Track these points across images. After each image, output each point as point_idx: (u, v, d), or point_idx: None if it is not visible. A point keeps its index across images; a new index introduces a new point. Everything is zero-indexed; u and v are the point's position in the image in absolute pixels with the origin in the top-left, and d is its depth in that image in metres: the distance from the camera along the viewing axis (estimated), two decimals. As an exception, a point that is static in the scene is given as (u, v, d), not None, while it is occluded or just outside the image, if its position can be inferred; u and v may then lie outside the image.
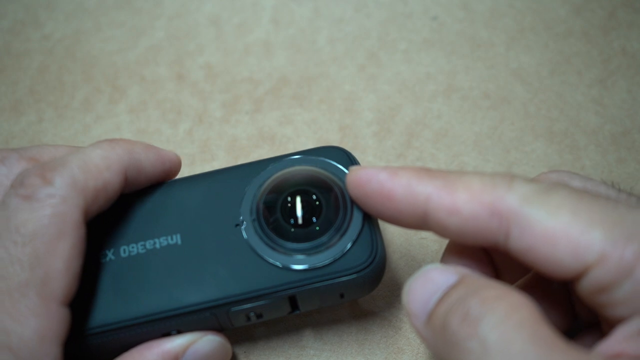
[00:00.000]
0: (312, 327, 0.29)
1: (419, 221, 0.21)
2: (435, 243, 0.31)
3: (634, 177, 0.32)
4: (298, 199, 0.25)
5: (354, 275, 0.24)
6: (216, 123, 0.36)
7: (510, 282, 0.24)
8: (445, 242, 0.30)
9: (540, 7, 0.39)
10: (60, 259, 0.21)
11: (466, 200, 0.20)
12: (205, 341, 0.24)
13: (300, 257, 0.24)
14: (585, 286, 0.18)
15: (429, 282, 0.20)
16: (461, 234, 0.20)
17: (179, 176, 0.27)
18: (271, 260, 0.24)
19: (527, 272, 0.23)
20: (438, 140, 0.34)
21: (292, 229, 0.25)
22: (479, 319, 0.18)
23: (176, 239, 0.25)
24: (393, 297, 0.29)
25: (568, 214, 0.18)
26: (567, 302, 0.23)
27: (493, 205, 0.19)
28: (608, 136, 0.33)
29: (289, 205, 0.25)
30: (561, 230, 0.18)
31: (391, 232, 0.31)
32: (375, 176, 0.22)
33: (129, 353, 0.24)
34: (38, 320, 0.21)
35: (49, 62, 0.39)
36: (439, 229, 0.21)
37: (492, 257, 0.23)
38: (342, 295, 0.25)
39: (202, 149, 0.35)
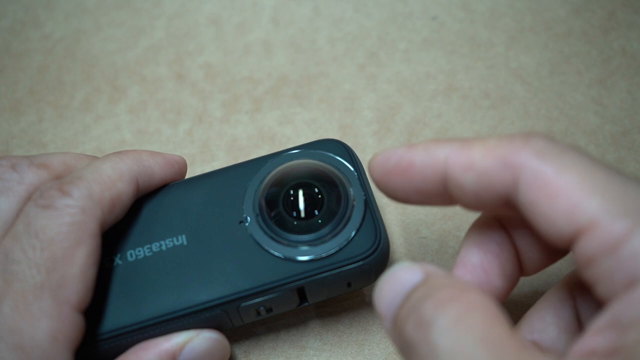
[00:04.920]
0: (312, 328, 0.29)
1: (440, 185, 0.21)
2: (435, 242, 0.31)
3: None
4: (300, 192, 0.25)
5: (360, 263, 0.24)
6: (216, 123, 0.36)
7: (533, 268, 0.23)
8: (446, 244, 0.31)
9: (540, 7, 0.39)
10: (77, 265, 0.22)
11: (481, 155, 0.20)
12: (202, 338, 0.24)
13: (305, 248, 0.24)
14: (576, 256, 0.18)
15: (396, 282, 0.20)
16: (477, 191, 0.20)
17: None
18: (277, 254, 0.24)
19: (552, 258, 0.23)
20: (438, 140, 0.34)
21: (296, 222, 0.25)
22: (430, 323, 0.17)
23: (182, 239, 0.25)
24: (393, 296, 0.29)
25: (575, 175, 0.18)
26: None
27: (506, 158, 0.19)
28: (608, 136, 0.33)
29: (291, 198, 0.25)
30: (563, 188, 0.18)
31: (391, 233, 0.31)
32: (393, 152, 0.22)
33: (125, 355, 0.24)
34: (50, 322, 0.21)
35: (48, 62, 0.39)
36: (457, 190, 0.20)
37: (514, 242, 0.23)
38: (349, 284, 0.25)
39: (202, 149, 0.35)
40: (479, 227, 0.23)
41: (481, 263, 0.22)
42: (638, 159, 0.33)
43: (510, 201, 0.19)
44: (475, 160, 0.20)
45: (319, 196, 0.25)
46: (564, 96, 0.35)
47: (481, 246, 0.22)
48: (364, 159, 0.34)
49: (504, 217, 0.22)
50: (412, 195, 0.22)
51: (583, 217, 0.17)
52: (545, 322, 0.22)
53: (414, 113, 0.35)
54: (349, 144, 0.34)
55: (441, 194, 0.21)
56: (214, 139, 0.35)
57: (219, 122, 0.36)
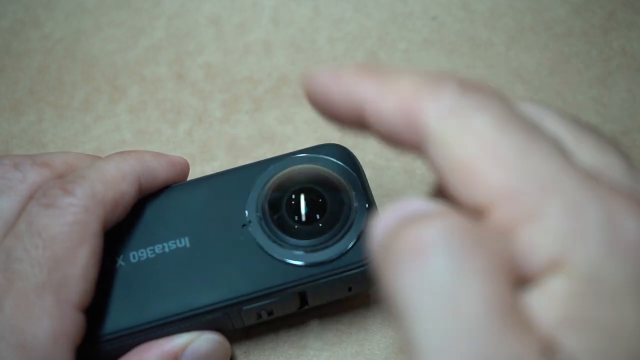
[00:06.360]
0: (312, 328, 0.29)
1: (361, 124, 0.19)
2: (435, 242, 0.31)
3: (634, 177, 0.32)
4: (303, 197, 0.26)
5: (362, 268, 0.24)
6: (216, 123, 0.36)
7: None
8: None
9: (540, 7, 0.39)
10: (79, 265, 0.22)
11: (390, 107, 0.18)
12: (204, 340, 0.24)
13: (308, 253, 0.24)
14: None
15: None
16: (392, 140, 0.19)
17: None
18: (280, 258, 0.24)
19: None
20: (438, 140, 0.34)
21: (298, 226, 0.25)
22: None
23: (184, 242, 0.25)
24: (393, 296, 0.29)
25: (479, 146, 0.16)
26: None
27: (411, 116, 0.17)
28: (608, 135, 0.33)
29: (294, 202, 0.25)
30: (465, 161, 0.16)
31: (391, 232, 0.31)
32: (320, 76, 0.20)
33: (127, 356, 0.24)
34: (52, 322, 0.21)
35: (49, 62, 0.39)
36: (375, 134, 0.19)
37: None
38: (350, 289, 0.25)
39: (202, 149, 0.35)
40: None
41: None
42: (638, 158, 0.33)
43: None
44: (384, 112, 0.18)
45: (322, 201, 0.25)
46: (564, 96, 0.35)
47: None
48: (365, 158, 0.34)
49: None
50: (336, 121, 0.20)
51: (482, 195, 0.16)
52: None
53: (414, 113, 0.35)
54: (349, 143, 0.34)
55: (363, 127, 0.19)
56: (214, 138, 0.35)
57: (219, 122, 0.36)
